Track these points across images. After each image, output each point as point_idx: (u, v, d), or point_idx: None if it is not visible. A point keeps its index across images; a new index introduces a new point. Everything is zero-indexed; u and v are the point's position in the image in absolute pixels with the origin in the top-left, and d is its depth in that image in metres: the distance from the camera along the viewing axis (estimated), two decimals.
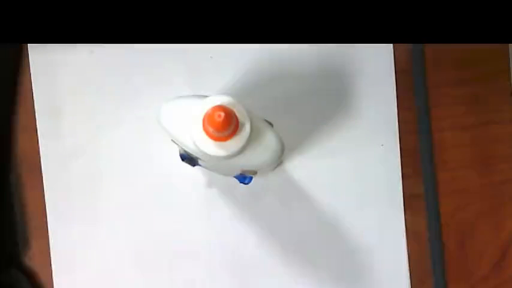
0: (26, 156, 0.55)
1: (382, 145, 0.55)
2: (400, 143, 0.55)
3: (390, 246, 0.54)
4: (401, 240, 0.54)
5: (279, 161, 0.48)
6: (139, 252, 0.54)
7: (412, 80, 0.55)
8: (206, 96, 0.41)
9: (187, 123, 0.41)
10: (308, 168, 0.55)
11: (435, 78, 0.55)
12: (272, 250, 0.54)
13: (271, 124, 0.47)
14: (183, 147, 0.44)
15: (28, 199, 0.55)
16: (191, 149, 0.43)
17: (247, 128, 0.40)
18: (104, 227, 0.54)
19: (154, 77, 0.55)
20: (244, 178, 0.53)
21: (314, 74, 0.55)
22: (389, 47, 0.55)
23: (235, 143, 0.40)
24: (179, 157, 0.52)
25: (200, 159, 0.46)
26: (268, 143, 0.44)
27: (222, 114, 0.38)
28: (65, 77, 0.55)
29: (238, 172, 0.50)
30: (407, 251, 0.54)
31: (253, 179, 0.53)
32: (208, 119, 0.39)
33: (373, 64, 0.55)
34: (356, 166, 0.55)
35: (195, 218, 0.54)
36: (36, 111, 0.55)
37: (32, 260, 0.55)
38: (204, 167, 0.53)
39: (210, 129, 0.39)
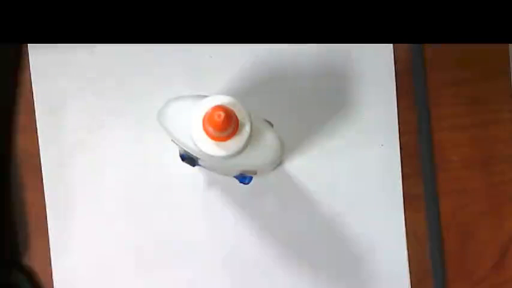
0: (26, 156, 0.55)
1: (382, 145, 0.55)
2: (400, 143, 0.55)
3: (390, 246, 0.54)
4: (402, 240, 0.54)
5: (279, 161, 0.48)
6: (140, 251, 0.54)
7: (412, 80, 0.55)
8: (206, 96, 0.41)
9: (187, 123, 0.41)
10: (308, 168, 0.55)
11: (435, 78, 0.55)
12: (272, 250, 0.54)
13: (271, 124, 0.47)
14: (183, 147, 0.44)
15: (28, 199, 0.55)
16: (191, 149, 0.43)
17: (247, 128, 0.40)
18: (104, 227, 0.54)
19: (154, 77, 0.55)
20: (244, 178, 0.53)
21: (314, 74, 0.55)
22: (389, 47, 0.55)
23: (235, 143, 0.40)
24: (179, 157, 0.52)
25: (200, 159, 0.46)
26: (268, 143, 0.44)
27: (222, 114, 0.38)
28: (65, 77, 0.55)
29: (238, 172, 0.50)
30: (407, 251, 0.54)
31: (253, 179, 0.53)
32: (208, 119, 0.39)
33: (373, 64, 0.55)
34: (356, 166, 0.55)
35: (194, 218, 0.54)
36: (36, 111, 0.55)
37: (32, 260, 0.55)
38: (204, 167, 0.53)
39: (210, 129, 0.39)
